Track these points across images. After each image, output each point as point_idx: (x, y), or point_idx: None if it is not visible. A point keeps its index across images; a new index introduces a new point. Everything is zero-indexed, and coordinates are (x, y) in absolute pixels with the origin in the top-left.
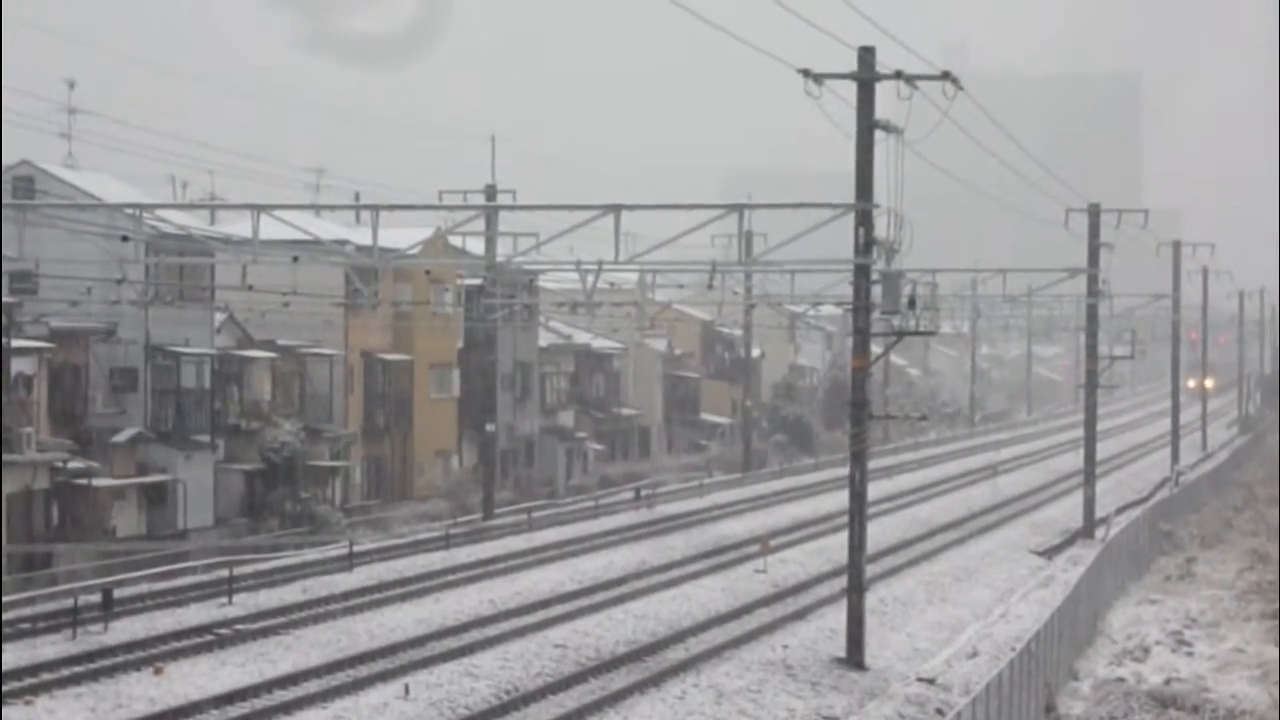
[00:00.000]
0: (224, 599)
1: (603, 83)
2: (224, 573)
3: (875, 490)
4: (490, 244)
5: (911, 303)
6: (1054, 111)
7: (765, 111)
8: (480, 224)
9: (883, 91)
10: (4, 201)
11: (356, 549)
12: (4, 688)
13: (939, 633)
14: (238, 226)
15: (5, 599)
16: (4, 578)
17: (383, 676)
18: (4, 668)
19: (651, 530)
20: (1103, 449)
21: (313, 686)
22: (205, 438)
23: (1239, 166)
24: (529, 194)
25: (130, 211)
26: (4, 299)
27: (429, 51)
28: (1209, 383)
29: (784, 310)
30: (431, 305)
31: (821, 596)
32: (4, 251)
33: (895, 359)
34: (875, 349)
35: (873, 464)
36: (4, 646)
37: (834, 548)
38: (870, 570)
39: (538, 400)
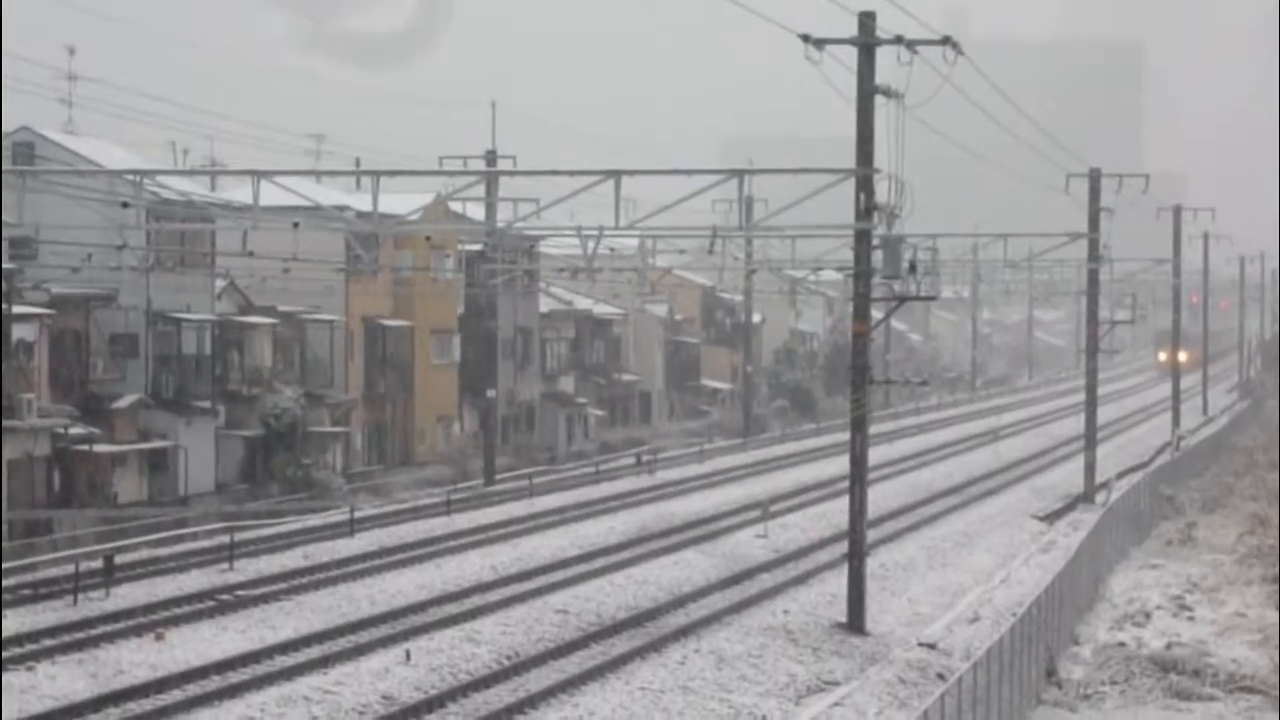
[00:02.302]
0: (225, 565)
1: (602, 47)
2: (225, 538)
3: (876, 455)
4: (491, 209)
5: (912, 268)
6: (1055, 76)
7: (765, 76)
8: (480, 189)
9: (883, 56)
10: (4, 167)
11: (357, 514)
12: (5, 654)
13: (940, 598)
14: (238, 192)
15: (6, 565)
16: (5, 544)
17: (384, 642)
18: (5, 634)
19: (652, 496)
20: (1104, 414)
21: (314, 652)
22: (206, 404)
23: (1242, 131)
24: (529, 159)
25: (131, 177)
26: (4, 265)
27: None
28: (1183, 356)
29: (785, 275)
30: (432, 271)
31: (822, 562)
32: (5, 217)
33: (896, 324)
34: (876, 314)
35: (874, 429)
36: (5, 613)
37: (835, 513)
38: (871, 535)
39: (538, 366)
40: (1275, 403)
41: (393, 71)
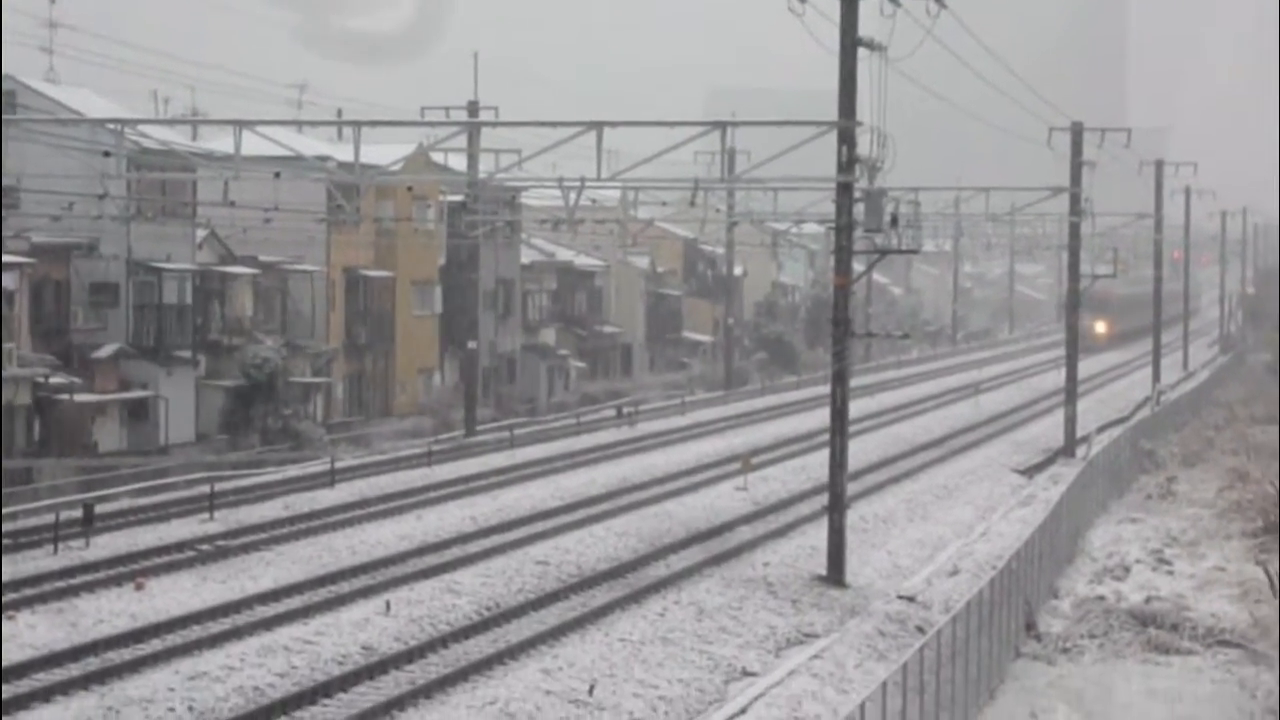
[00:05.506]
0: (205, 515)
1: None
2: (205, 489)
3: (857, 408)
4: (472, 160)
5: (894, 221)
6: (1038, 29)
7: (748, 28)
8: (462, 140)
9: (866, 8)
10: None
11: (338, 465)
12: None
13: (920, 551)
14: (219, 142)
15: None
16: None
17: (364, 593)
18: None
19: (633, 448)
20: (1084, 368)
21: (294, 602)
22: (187, 354)
23: (1225, 86)
24: (511, 110)
25: (112, 127)
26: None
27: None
28: (1101, 327)
29: (766, 228)
30: (413, 222)
31: (802, 514)
32: None
33: (877, 277)
34: (857, 267)
35: (854, 382)
36: None
37: (815, 465)
38: (851, 488)
39: (520, 317)
40: (1257, 357)
41: (372, 21)
